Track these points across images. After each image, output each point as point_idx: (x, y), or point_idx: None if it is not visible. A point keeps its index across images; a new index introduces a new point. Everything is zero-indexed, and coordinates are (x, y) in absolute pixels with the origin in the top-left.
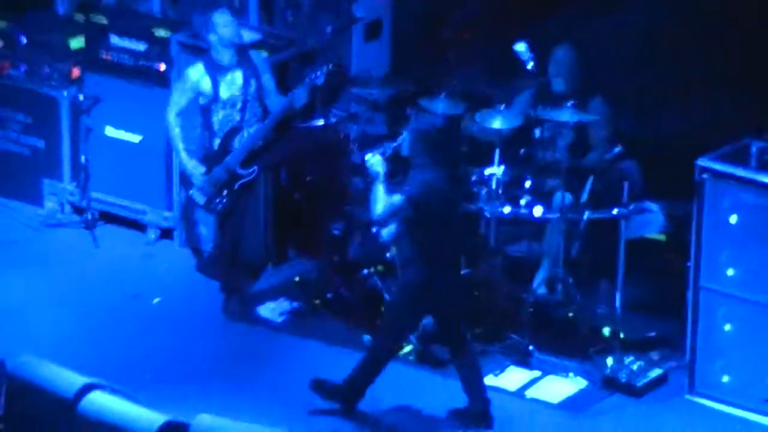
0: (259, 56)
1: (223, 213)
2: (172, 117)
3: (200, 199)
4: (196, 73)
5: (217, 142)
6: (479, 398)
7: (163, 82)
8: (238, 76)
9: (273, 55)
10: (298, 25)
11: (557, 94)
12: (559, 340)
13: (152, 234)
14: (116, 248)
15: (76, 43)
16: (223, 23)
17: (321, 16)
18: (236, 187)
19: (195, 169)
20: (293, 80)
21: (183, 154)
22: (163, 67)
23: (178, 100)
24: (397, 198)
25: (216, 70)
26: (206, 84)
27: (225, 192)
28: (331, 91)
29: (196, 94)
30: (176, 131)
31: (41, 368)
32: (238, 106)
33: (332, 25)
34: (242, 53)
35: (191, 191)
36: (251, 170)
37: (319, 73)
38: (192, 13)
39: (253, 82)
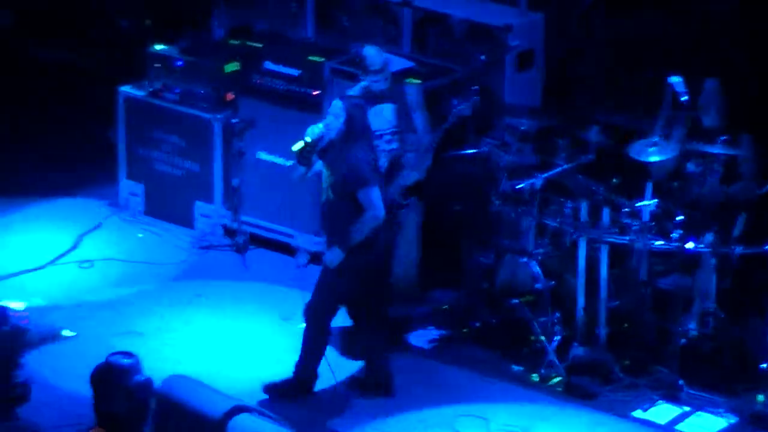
0: (413, 90)
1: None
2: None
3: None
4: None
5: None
6: (381, 372)
7: (316, 107)
8: (386, 108)
9: (424, 82)
10: (451, 53)
11: (707, 129)
12: (709, 375)
13: (302, 258)
14: (266, 271)
15: (231, 67)
16: (371, 55)
17: (474, 45)
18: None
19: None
20: (445, 109)
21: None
22: (316, 92)
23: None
24: None
25: (368, 101)
26: None
27: (407, 200)
28: (483, 120)
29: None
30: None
31: (190, 388)
32: (386, 138)
33: (485, 54)
34: (394, 85)
35: None
36: (409, 200)
37: (464, 105)
38: (344, 39)
39: (402, 114)
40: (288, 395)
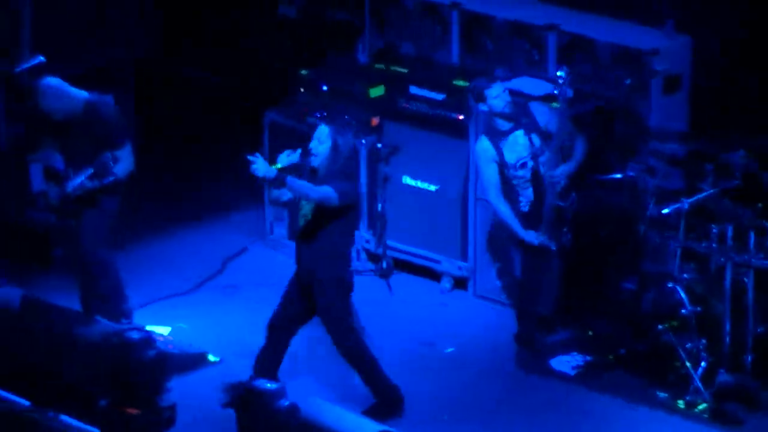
0: (540, 108)
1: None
2: (493, 197)
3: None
4: (483, 147)
5: (524, 203)
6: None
7: (462, 132)
8: (518, 135)
9: (570, 107)
10: (597, 77)
11: None
12: None
13: (447, 283)
14: (410, 296)
15: (376, 91)
16: (493, 95)
17: (620, 69)
18: (569, 217)
19: (529, 236)
20: (589, 132)
21: (520, 230)
22: (461, 117)
23: (489, 178)
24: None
25: (496, 136)
26: (493, 153)
27: (564, 229)
28: (628, 145)
29: (496, 164)
30: (503, 209)
31: (334, 413)
32: (529, 164)
33: (631, 78)
34: (522, 110)
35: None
36: (571, 198)
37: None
38: (489, 62)
39: (534, 137)
40: (384, 415)
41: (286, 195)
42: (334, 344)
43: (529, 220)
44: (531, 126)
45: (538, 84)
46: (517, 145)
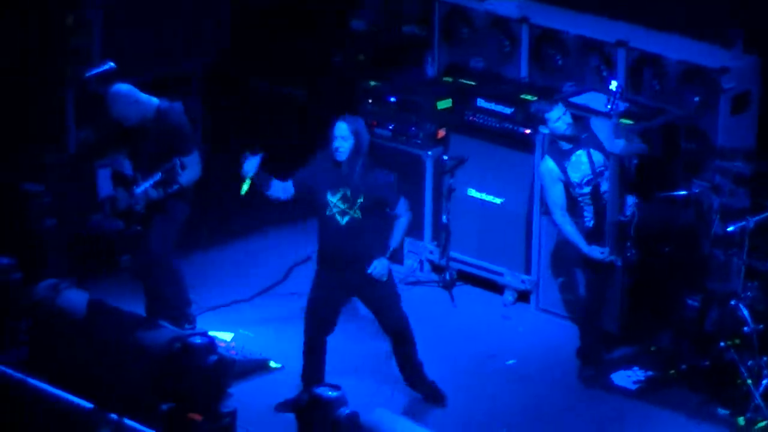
0: (601, 124)
1: (633, 262)
2: (558, 216)
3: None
4: (548, 168)
5: (588, 219)
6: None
7: (528, 146)
8: (581, 154)
9: (638, 123)
10: (665, 94)
11: None
12: None
13: (510, 296)
14: (473, 308)
15: (444, 104)
16: (554, 119)
17: (688, 86)
18: (632, 232)
19: (594, 252)
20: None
21: (585, 247)
22: (528, 131)
23: (555, 198)
24: None
25: (560, 156)
26: (558, 173)
27: (628, 244)
28: (694, 162)
29: (562, 184)
30: (569, 228)
31: (395, 423)
32: (594, 182)
33: (699, 96)
34: (583, 128)
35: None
36: (632, 213)
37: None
38: (558, 78)
39: (594, 153)
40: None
41: (283, 195)
42: (394, 328)
43: (592, 236)
44: (591, 141)
45: (604, 100)
46: (581, 163)
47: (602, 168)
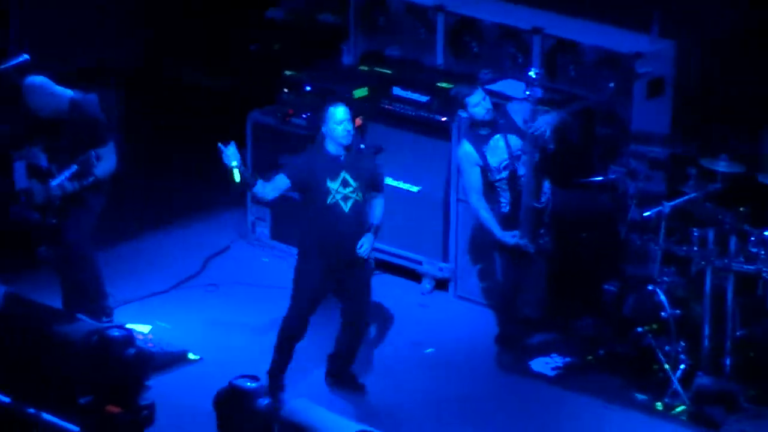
0: (518, 109)
1: (547, 249)
2: (474, 200)
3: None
4: (465, 151)
5: (504, 204)
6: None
7: (445, 134)
8: (498, 139)
9: (554, 109)
10: (581, 80)
11: None
12: None
13: (427, 284)
14: (392, 297)
15: (360, 93)
16: (473, 103)
17: (604, 72)
18: (547, 219)
19: (506, 237)
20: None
21: (498, 232)
22: (444, 119)
23: (472, 182)
24: None
25: (478, 141)
26: (476, 157)
27: (542, 230)
28: (610, 147)
29: (479, 168)
30: (483, 213)
31: (315, 413)
32: (511, 167)
33: (615, 81)
34: (500, 114)
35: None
36: (546, 199)
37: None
38: (475, 65)
39: (511, 138)
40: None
41: (271, 195)
42: (360, 315)
43: (508, 221)
44: (508, 127)
45: (521, 87)
46: (498, 148)
47: (519, 152)
